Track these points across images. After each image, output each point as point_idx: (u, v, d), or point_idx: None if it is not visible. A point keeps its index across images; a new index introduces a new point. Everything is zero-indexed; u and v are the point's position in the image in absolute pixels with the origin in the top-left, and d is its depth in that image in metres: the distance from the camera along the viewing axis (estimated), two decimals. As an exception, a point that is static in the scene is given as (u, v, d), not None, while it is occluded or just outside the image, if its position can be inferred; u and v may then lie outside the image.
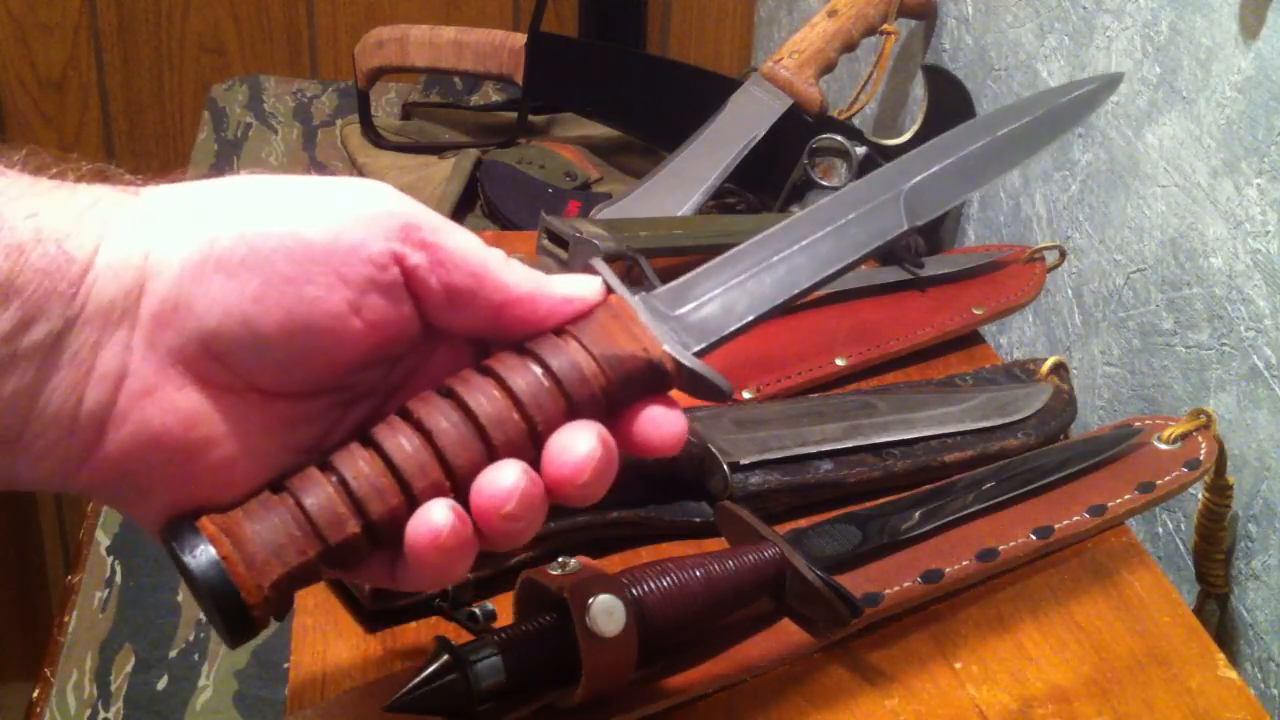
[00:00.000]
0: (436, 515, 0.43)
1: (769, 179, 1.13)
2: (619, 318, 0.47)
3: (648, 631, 0.55)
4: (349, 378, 0.45)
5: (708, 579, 0.57)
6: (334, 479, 0.43)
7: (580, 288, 0.47)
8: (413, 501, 0.43)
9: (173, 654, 0.80)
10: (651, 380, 0.47)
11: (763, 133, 1.12)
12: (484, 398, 0.44)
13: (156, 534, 0.44)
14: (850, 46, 1.20)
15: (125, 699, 0.78)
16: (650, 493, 0.68)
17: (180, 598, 0.85)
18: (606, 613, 0.53)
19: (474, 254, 0.45)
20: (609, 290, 0.48)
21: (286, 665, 0.61)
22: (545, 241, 0.88)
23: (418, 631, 0.61)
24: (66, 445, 0.41)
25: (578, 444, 0.44)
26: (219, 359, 0.42)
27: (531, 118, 1.42)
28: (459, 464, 0.44)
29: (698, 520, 0.68)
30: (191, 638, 0.81)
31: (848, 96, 1.26)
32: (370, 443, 0.44)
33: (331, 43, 1.82)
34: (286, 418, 0.44)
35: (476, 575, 0.61)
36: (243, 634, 0.43)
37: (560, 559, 0.56)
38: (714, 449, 0.68)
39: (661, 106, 1.25)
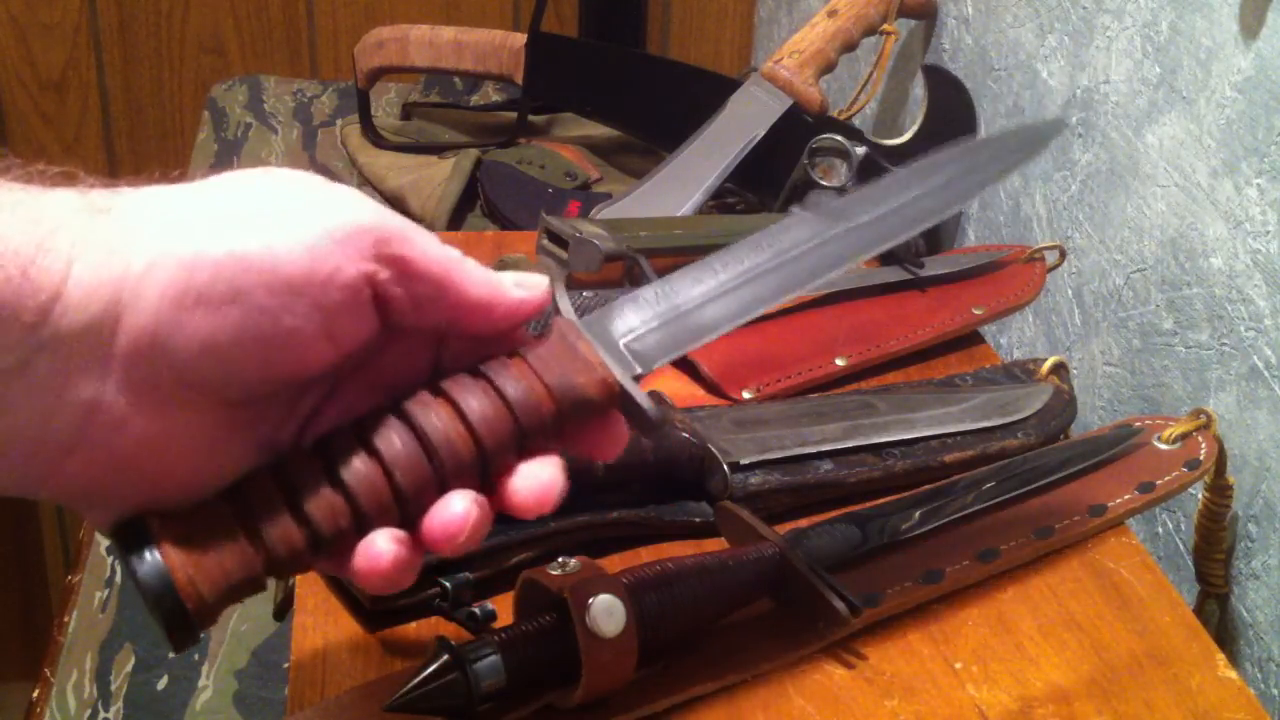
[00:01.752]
0: (380, 545, 0.44)
1: (769, 179, 1.13)
2: (567, 342, 0.48)
3: (648, 631, 0.55)
4: (313, 380, 0.46)
5: (708, 579, 0.58)
6: (286, 495, 0.44)
7: (531, 291, 0.48)
8: (361, 521, 0.44)
9: (173, 654, 0.80)
10: (600, 406, 0.48)
11: (763, 133, 1.12)
12: (438, 421, 0.45)
13: (107, 533, 0.44)
14: (850, 46, 1.20)
15: (125, 699, 0.78)
16: (650, 493, 0.68)
17: (180, 598, 0.85)
18: (606, 613, 0.53)
19: (437, 261, 0.45)
20: (554, 302, 0.49)
21: (286, 665, 0.61)
22: (545, 241, 0.88)
23: (418, 631, 0.61)
24: (30, 462, 0.41)
25: (542, 472, 0.46)
26: (193, 386, 0.42)
27: (531, 118, 1.42)
28: (409, 487, 0.45)
29: (698, 520, 0.68)
30: (191, 638, 0.81)
31: (848, 96, 1.26)
32: (324, 459, 0.45)
33: (331, 43, 1.82)
34: (247, 418, 0.44)
35: (477, 575, 0.61)
36: (184, 640, 0.43)
37: (560, 559, 0.56)
38: (714, 449, 0.68)
39: (661, 106, 1.25)
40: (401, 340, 0.47)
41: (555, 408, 0.46)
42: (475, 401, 0.46)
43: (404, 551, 0.44)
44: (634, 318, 0.50)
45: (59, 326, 0.39)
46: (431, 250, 0.45)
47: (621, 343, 0.49)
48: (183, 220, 0.42)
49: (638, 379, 0.49)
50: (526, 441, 0.46)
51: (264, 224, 0.42)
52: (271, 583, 0.74)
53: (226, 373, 0.42)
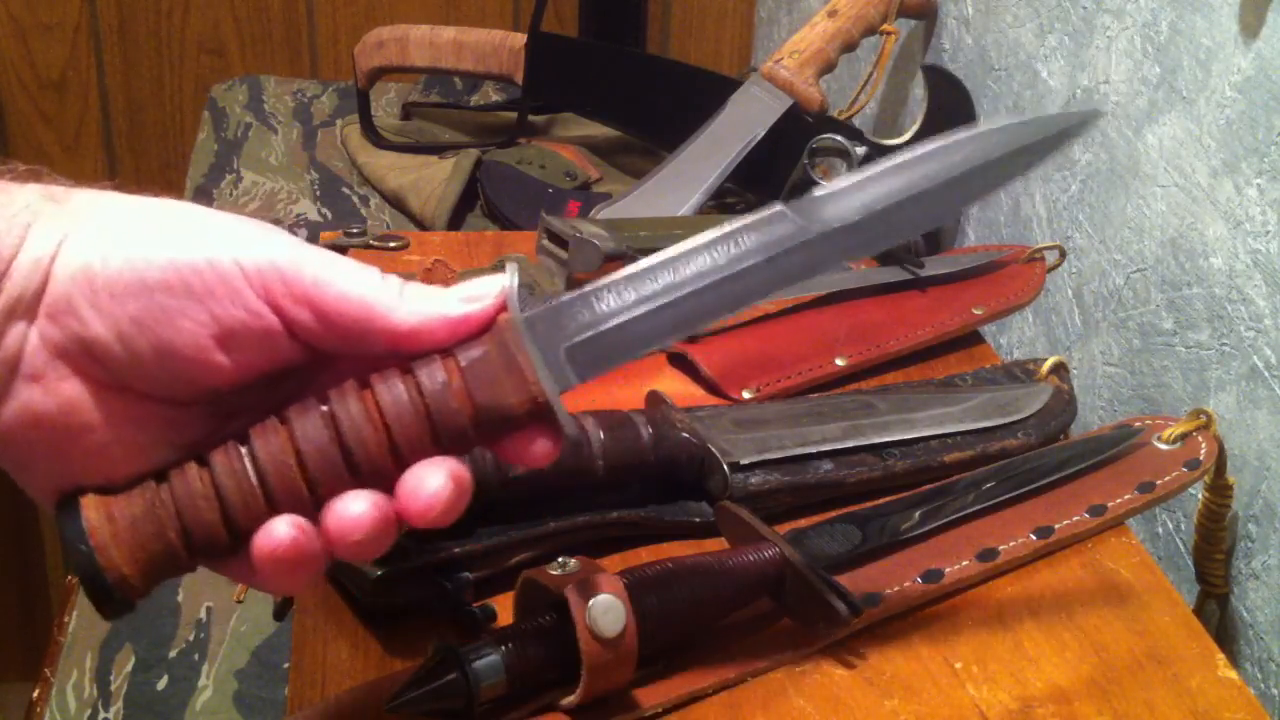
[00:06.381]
0: (279, 530, 0.45)
1: (769, 179, 1.13)
2: (505, 352, 0.47)
3: (648, 631, 0.55)
4: (224, 397, 0.47)
5: (708, 579, 0.58)
6: (208, 479, 0.46)
7: (477, 302, 0.47)
8: (274, 506, 0.46)
9: (173, 654, 0.80)
10: (523, 421, 0.47)
11: (763, 133, 1.13)
12: (355, 412, 0.46)
13: (49, 507, 0.47)
14: (850, 46, 1.20)
15: (125, 699, 0.78)
16: (650, 493, 0.68)
17: (180, 598, 0.85)
18: (606, 613, 0.53)
19: (356, 299, 0.46)
20: (504, 306, 0.48)
21: (286, 665, 0.61)
22: (545, 241, 0.88)
23: (418, 631, 0.61)
24: None
25: (429, 481, 0.46)
26: (98, 361, 0.45)
27: (531, 118, 1.42)
28: (321, 476, 0.46)
29: (698, 520, 0.68)
30: (191, 638, 0.81)
31: (848, 96, 1.26)
32: (247, 446, 0.46)
33: (331, 43, 1.82)
34: (162, 418, 0.47)
35: (477, 575, 0.61)
36: (109, 609, 0.46)
37: (560, 559, 0.56)
38: (714, 449, 0.68)
39: (661, 106, 1.25)
40: (342, 364, 0.48)
41: (474, 416, 0.46)
42: (390, 396, 0.46)
43: (302, 539, 0.45)
44: (586, 316, 0.48)
45: (3, 290, 0.44)
46: (350, 290, 0.46)
47: (563, 348, 0.48)
48: (118, 219, 0.46)
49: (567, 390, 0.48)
50: (442, 442, 0.46)
51: (181, 238, 0.46)
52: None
53: (128, 359, 0.45)
